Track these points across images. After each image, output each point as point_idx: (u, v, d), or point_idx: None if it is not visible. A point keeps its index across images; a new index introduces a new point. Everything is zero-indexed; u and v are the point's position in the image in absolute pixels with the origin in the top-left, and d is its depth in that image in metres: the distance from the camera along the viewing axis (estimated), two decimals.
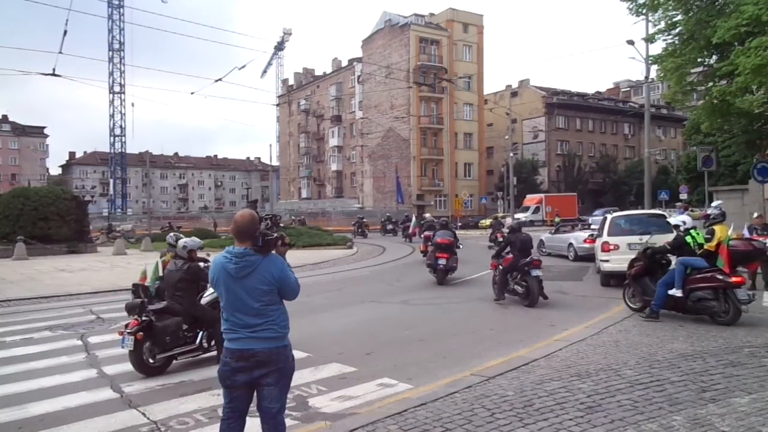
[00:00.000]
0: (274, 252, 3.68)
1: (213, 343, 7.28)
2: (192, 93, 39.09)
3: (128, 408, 5.61)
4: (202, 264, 7.49)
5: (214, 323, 6.80)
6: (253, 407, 3.68)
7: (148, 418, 5.29)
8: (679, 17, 14.74)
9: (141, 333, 6.65)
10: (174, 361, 7.05)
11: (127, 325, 6.81)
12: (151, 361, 6.80)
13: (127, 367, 7.04)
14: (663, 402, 5.10)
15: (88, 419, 5.28)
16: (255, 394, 3.65)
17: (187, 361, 7.20)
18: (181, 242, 7.56)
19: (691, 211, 29.84)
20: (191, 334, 7.15)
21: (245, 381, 3.56)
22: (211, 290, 7.30)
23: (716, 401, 5.09)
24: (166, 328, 6.88)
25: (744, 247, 9.09)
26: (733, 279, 8.47)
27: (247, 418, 3.73)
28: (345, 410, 5.43)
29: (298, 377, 6.38)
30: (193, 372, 6.81)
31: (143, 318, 6.82)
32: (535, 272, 11.05)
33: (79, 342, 8.53)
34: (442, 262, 14.41)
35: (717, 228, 9.07)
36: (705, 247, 8.99)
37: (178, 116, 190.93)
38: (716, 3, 14.10)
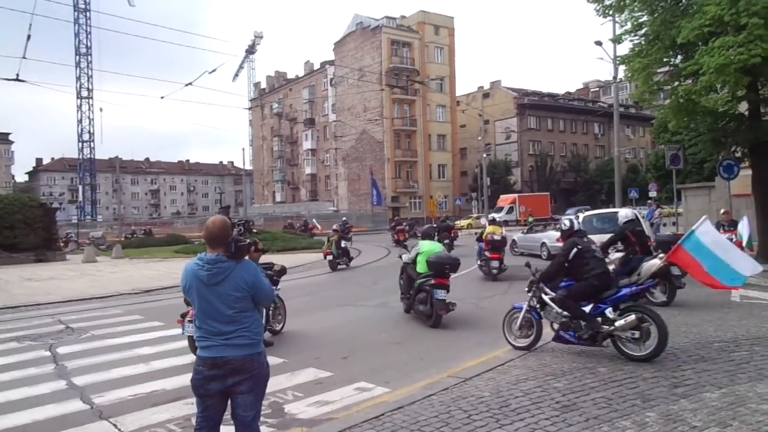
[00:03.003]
0: (247, 258, 3.63)
1: None
2: (162, 97, 38.59)
3: (99, 419, 5.47)
4: None
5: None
6: (227, 416, 3.63)
7: (120, 430, 5.18)
8: (645, 18, 14.97)
9: None
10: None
11: (184, 315, 7.36)
12: None
13: (98, 377, 6.92)
14: (636, 399, 5.17)
15: None
16: (229, 402, 3.59)
17: (161, 368, 7.20)
18: None
19: (662, 208, 30.42)
20: None
21: (219, 389, 3.49)
22: None
23: (688, 396, 5.17)
24: None
25: (491, 239, 15.13)
26: (492, 255, 14.97)
27: (222, 427, 3.67)
28: (321, 416, 5.39)
29: (274, 383, 6.31)
30: (165, 380, 6.68)
31: None
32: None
33: (48, 353, 8.31)
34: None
35: (489, 227, 16.02)
36: (482, 237, 15.74)
37: (149, 121, 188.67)
38: (680, 4, 14.36)
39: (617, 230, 10.61)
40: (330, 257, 19.39)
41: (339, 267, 19.45)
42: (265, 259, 11.25)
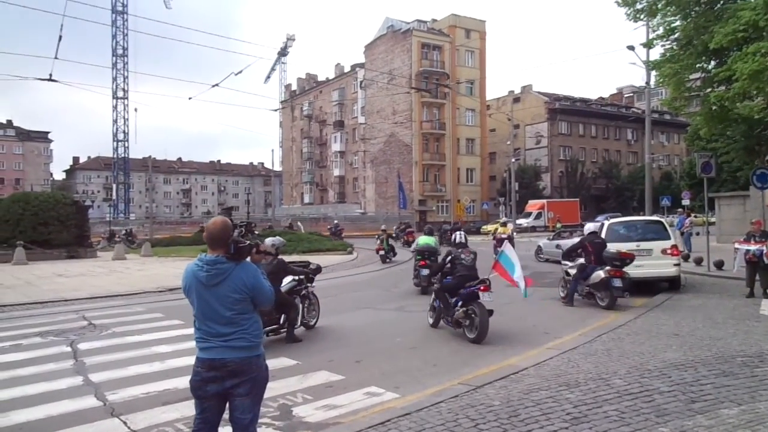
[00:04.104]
0: (248, 259, 3.63)
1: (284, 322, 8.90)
2: (190, 98, 39.02)
3: (110, 417, 5.53)
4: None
5: (291, 308, 8.86)
6: (226, 417, 3.62)
7: (129, 428, 5.23)
8: (678, 23, 14.66)
9: None
10: (264, 337, 8.20)
11: None
12: None
13: (114, 374, 7.02)
14: (650, 413, 5.02)
15: (68, 428, 5.20)
16: (227, 404, 3.58)
17: (175, 366, 7.25)
18: (269, 240, 9.22)
19: (695, 216, 29.67)
20: (277, 315, 8.68)
21: (217, 391, 3.49)
22: (288, 279, 9.32)
23: (705, 412, 5.00)
24: (265, 309, 7.82)
25: (500, 237, 19.00)
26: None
27: (220, 429, 3.67)
28: (328, 420, 5.36)
29: (285, 385, 6.35)
30: (179, 380, 6.71)
31: None
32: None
33: (69, 348, 8.46)
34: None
35: (500, 228, 19.20)
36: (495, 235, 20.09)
37: (182, 122, 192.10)
38: (714, 9, 14.01)
39: (579, 240, 12.72)
40: (382, 252, 23.67)
41: (386, 261, 23.21)
42: (288, 260, 11.40)
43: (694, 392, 5.55)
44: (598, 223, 13.47)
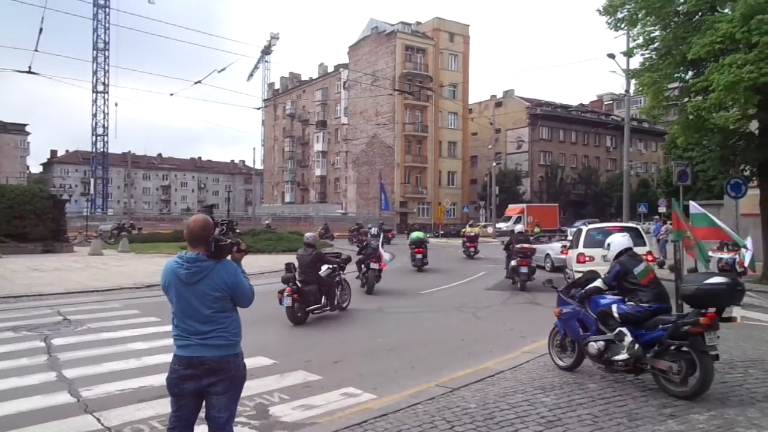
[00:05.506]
0: (228, 258, 3.62)
1: (326, 302, 10.75)
2: (171, 95, 39.02)
3: (83, 413, 5.47)
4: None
5: (331, 286, 10.93)
6: (202, 415, 3.61)
7: (102, 425, 5.17)
8: (657, 33, 14.93)
9: (297, 294, 9.88)
10: (310, 315, 10.34)
11: (282, 291, 9.86)
12: (299, 314, 9.95)
13: (89, 370, 6.93)
14: (623, 417, 5.10)
15: (39, 424, 5.13)
16: (204, 403, 3.56)
17: (152, 364, 7.20)
18: (311, 234, 11.52)
19: (670, 224, 30.05)
20: (320, 296, 10.57)
21: (194, 389, 3.47)
22: (325, 267, 10.97)
23: (675, 417, 5.09)
24: (310, 291, 10.29)
25: (468, 235, 27.14)
26: (469, 245, 25.54)
27: (196, 428, 3.65)
28: (305, 420, 5.36)
29: (262, 384, 6.34)
30: (155, 377, 6.65)
31: (294, 286, 9.92)
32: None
33: (42, 344, 8.34)
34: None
35: (468, 228, 31.34)
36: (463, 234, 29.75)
37: (163, 118, 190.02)
38: (693, 20, 14.28)
39: (510, 237, 16.59)
40: None
41: None
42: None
43: (665, 397, 5.65)
44: (521, 227, 17.96)
